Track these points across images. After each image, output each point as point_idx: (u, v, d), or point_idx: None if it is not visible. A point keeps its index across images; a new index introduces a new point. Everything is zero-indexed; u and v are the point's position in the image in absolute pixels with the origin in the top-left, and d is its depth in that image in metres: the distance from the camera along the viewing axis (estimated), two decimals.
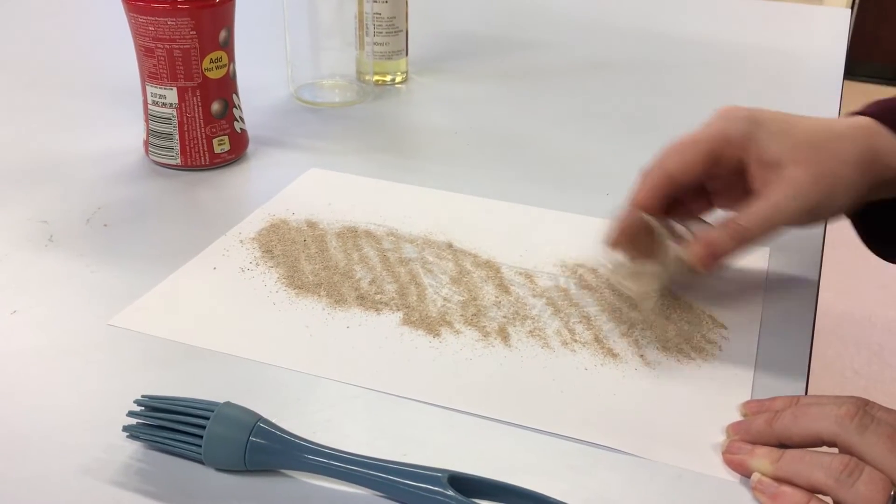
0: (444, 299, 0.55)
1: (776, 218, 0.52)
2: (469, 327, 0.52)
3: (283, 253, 0.59)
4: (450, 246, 0.61)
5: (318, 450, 0.41)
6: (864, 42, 3.67)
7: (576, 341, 0.51)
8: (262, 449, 0.40)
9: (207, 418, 0.41)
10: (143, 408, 0.43)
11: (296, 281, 0.56)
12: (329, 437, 0.42)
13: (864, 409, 0.41)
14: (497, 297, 0.55)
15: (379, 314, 0.53)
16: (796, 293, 0.57)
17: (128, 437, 0.42)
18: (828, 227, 0.64)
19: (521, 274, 0.58)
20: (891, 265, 0.61)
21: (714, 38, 1.12)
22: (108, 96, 0.87)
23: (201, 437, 0.41)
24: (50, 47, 1.03)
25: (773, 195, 0.52)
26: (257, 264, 0.58)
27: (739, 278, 0.58)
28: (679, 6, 1.26)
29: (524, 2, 1.26)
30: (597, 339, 0.52)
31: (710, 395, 0.47)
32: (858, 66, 3.72)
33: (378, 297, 0.55)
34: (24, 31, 1.09)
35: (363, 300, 0.55)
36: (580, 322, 0.53)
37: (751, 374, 0.49)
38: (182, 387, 0.47)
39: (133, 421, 0.42)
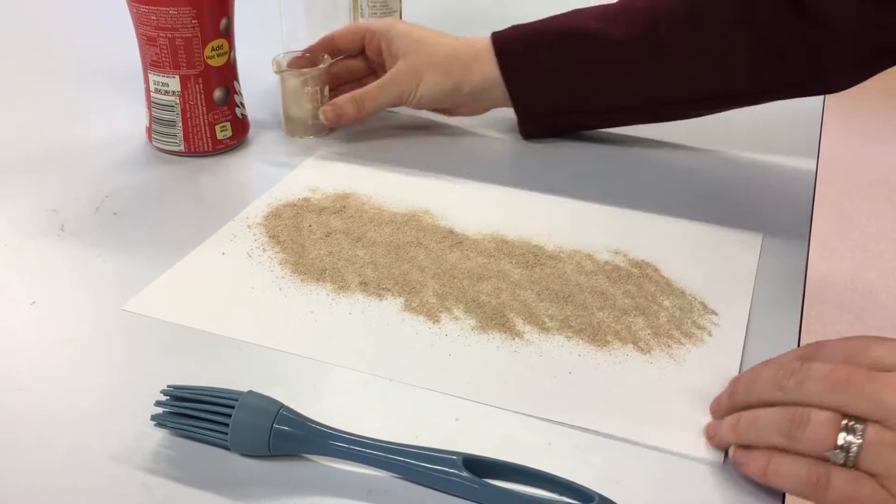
0: (444, 286, 0.57)
1: (379, 93, 0.75)
2: (468, 314, 0.55)
3: (290, 238, 0.61)
4: (451, 232, 0.63)
5: (339, 435, 0.43)
6: None
7: (570, 328, 0.54)
8: (286, 435, 0.43)
9: (232, 407, 0.43)
10: (168, 397, 0.45)
11: (301, 267, 0.59)
12: (345, 422, 0.45)
13: (805, 361, 0.43)
14: (496, 284, 0.57)
15: (381, 300, 0.56)
16: (786, 280, 0.60)
17: (155, 425, 0.44)
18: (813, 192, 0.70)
19: (518, 261, 0.60)
20: (872, 227, 0.65)
21: None
22: (106, 81, 0.88)
23: (227, 424, 0.43)
24: (43, 32, 1.04)
25: (384, 77, 0.76)
26: (264, 249, 0.60)
27: (732, 265, 0.61)
28: None
29: None
30: (591, 326, 0.54)
31: (700, 379, 0.50)
32: None
33: (380, 282, 0.57)
34: (18, 16, 1.09)
35: (366, 286, 0.57)
36: (575, 308, 0.55)
37: (739, 358, 0.52)
38: (201, 374, 0.49)
39: (160, 410, 0.44)
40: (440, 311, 0.55)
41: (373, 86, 0.75)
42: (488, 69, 0.74)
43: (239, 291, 0.56)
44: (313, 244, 0.61)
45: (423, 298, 0.56)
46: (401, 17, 0.92)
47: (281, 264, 0.59)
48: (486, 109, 0.78)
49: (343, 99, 0.75)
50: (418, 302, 0.56)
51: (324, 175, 0.70)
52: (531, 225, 0.64)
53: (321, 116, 0.75)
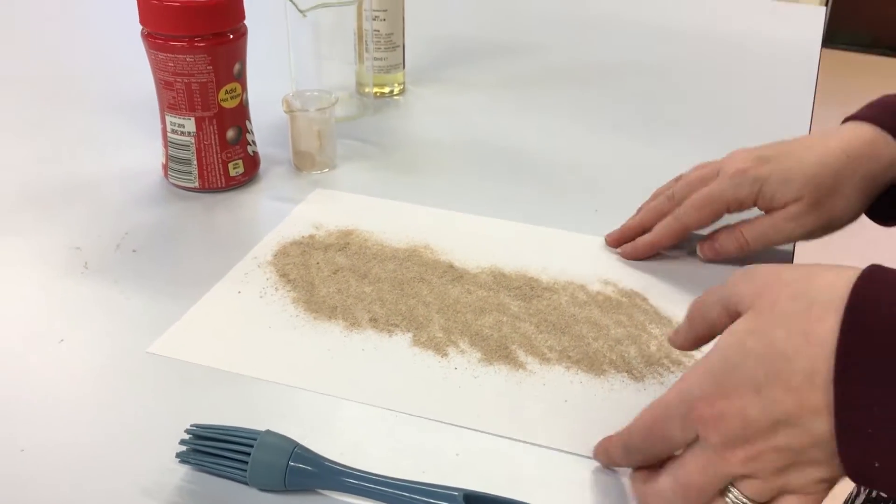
0: (449, 320, 0.60)
1: (773, 236, 0.65)
2: (473, 347, 0.58)
3: (299, 277, 0.65)
4: (451, 266, 0.66)
5: (348, 472, 0.47)
6: (843, 10, 3.71)
7: (569, 358, 0.57)
8: (300, 472, 0.47)
9: (250, 445, 0.47)
10: (191, 436, 0.48)
11: (313, 305, 0.62)
12: (355, 458, 0.48)
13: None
14: (497, 317, 0.61)
15: (391, 336, 0.59)
16: None
17: (180, 462, 0.48)
18: None
19: (516, 294, 0.63)
20: (860, 249, 0.68)
21: (705, 36, 1.18)
22: (122, 115, 0.91)
23: (246, 462, 0.47)
24: (61, 64, 1.07)
25: (776, 216, 0.64)
26: (276, 289, 0.64)
27: None
28: (673, 4, 1.32)
29: (517, 5, 1.31)
30: (587, 356, 0.57)
31: None
32: (838, 34, 3.75)
33: (389, 318, 0.61)
34: (34, 44, 1.13)
35: (376, 322, 0.60)
36: (572, 339, 0.59)
37: None
38: (221, 410, 0.53)
39: (183, 448, 0.48)
40: (447, 346, 0.58)
41: (762, 225, 0.65)
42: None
43: (257, 331, 0.60)
44: (322, 282, 0.64)
45: (430, 333, 0.59)
46: (403, 51, 0.96)
47: (294, 303, 0.62)
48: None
49: (724, 238, 0.66)
50: (426, 337, 0.59)
51: (326, 212, 0.74)
52: (525, 257, 0.68)
53: (698, 252, 0.68)
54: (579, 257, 0.68)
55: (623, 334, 0.60)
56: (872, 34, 3.74)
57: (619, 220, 0.72)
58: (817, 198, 0.62)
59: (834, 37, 3.74)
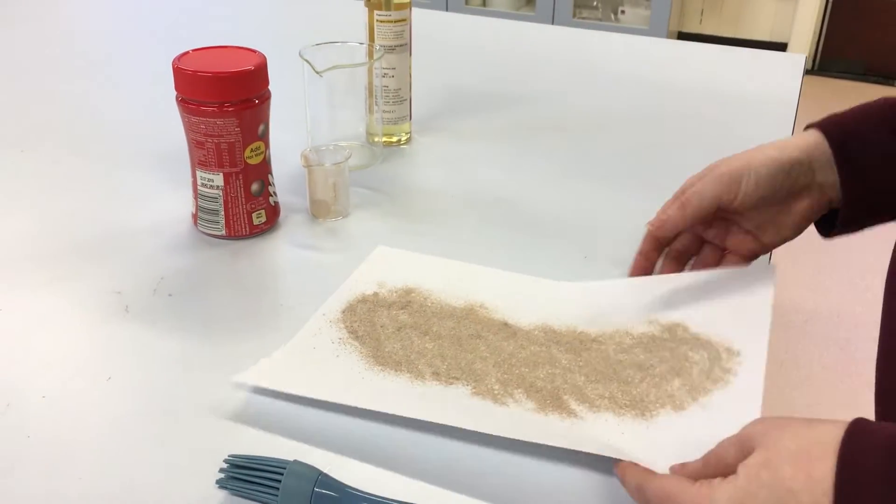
0: (505, 373, 0.65)
1: (703, 186, 0.71)
2: (529, 398, 0.62)
3: (366, 334, 0.69)
4: (505, 324, 0.71)
5: (369, 497, 0.54)
6: (836, 39, 3.80)
7: (616, 403, 0.62)
8: (325, 497, 0.53)
9: (281, 473, 0.54)
10: (229, 465, 0.56)
11: (380, 360, 0.66)
12: (372, 485, 0.55)
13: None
14: (549, 370, 0.65)
15: (452, 387, 0.64)
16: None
17: (219, 488, 0.55)
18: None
19: (567, 348, 0.68)
20: (859, 262, 0.75)
21: (693, 87, 1.25)
22: (154, 165, 0.96)
23: (277, 488, 0.54)
24: (96, 118, 1.11)
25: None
26: (345, 344, 0.68)
27: (749, 299, 0.70)
28: (664, 57, 1.39)
29: (516, 58, 1.37)
30: (633, 401, 0.62)
31: (727, 424, 0.56)
32: (831, 62, 3.83)
33: (450, 372, 0.65)
34: (73, 103, 1.16)
35: (438, 376, 0.64)
36: (620, 385, 0.64)
37: (760, 394, 0.61)
38: (253, 442, 0.59)
39: (222, 475, 0.55)
40: (505, 396, 0.62)
41: (696, 185, 0.71)
42: (811, 138, 0.69)
43: (330, 379, 0.64)
44: (387, 338, 0.68)
45: (488, 385, 0.63)
46: (410, 104, 1.03)
47: (364, 359, 0.66)
48: (804, 216, 0.73)
49: (665, 206, 0.73)
50: (485, 388, 0.63)
51: (388, 269, 0.78)
52: (573, 313, 0.72)
53: (647, 227, 0.74)
54: (623, 303, 0.72)
55: (667, 369, 0.64)
56: (865, 62, 3.82)
57: (609, 266, 0.78)
58: (730, 160, 0.71)
59: (827, 65, 3.82)
